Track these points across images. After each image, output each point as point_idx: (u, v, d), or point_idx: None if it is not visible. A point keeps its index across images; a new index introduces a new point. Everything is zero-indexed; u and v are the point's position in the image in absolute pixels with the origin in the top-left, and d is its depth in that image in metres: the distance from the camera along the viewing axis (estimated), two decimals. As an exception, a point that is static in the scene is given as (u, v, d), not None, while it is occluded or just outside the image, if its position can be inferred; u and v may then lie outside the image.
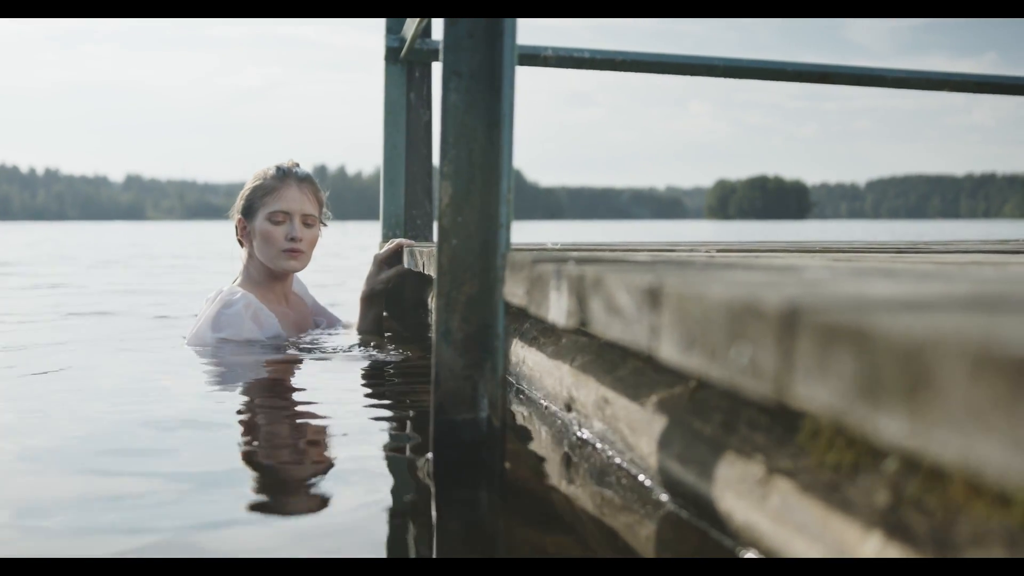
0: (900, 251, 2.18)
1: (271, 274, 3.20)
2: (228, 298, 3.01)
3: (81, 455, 1.62)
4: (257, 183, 3.18)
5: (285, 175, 3.16)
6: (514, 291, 1.39)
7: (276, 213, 3.12)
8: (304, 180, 3.20)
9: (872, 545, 0.81)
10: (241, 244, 3.27)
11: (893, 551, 0.77)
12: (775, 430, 1.04)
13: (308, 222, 3.18)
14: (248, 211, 3.18)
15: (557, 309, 1.16)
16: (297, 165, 3.22)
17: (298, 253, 3.14)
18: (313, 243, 3.21)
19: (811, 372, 0.53)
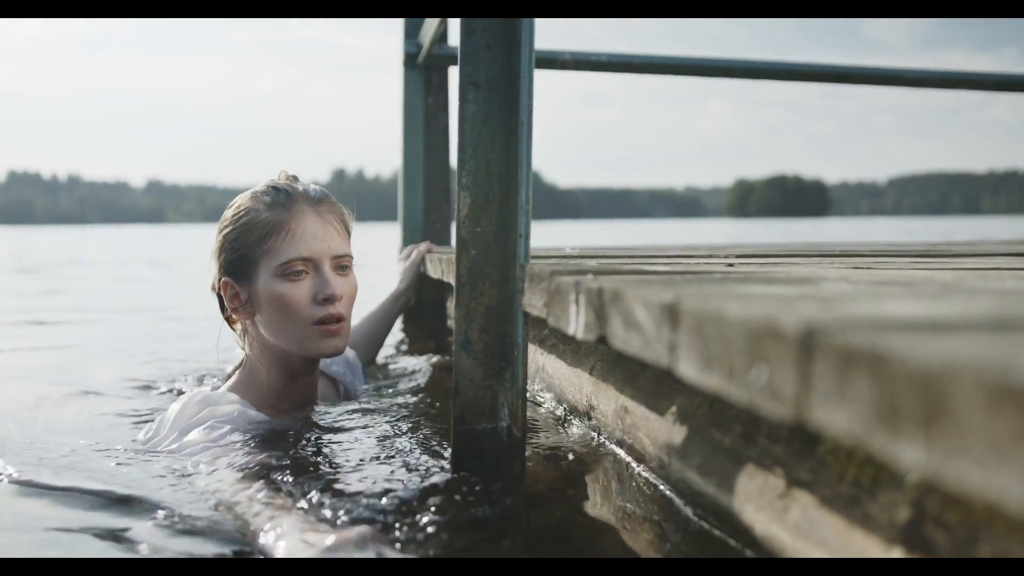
0: (920, 255, 2.17)
1: (293, 366, 1.97)
2: (214, 407, 1.82)
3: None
4: (245, 219, 1.92)
5: (290, 197, 1.94)
6: (533, 303, 1.39)
7: (292, 263, 1.88)
8: (321, 201, 1.98)
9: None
10: (232, 324, 2.04)
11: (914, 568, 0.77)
12: (795, 443, 1.04)
13: (343, 265, 1.96)
14: (239, 268, 1.92)
15: (576, 322, 1.16)
16: (296, 178, 2.03)
17: (340, 324, 1.93)
18: (353, 298, 1.99)
19: (829, 397, 0.53)
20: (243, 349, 2.02)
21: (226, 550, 1.25)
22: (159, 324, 4.87)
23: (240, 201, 1.97)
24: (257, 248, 1.89)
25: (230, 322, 2.03)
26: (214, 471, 1.56)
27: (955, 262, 1.77)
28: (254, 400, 1.92)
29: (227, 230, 1.94)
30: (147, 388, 2.70)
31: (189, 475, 1.58)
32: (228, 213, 1.97)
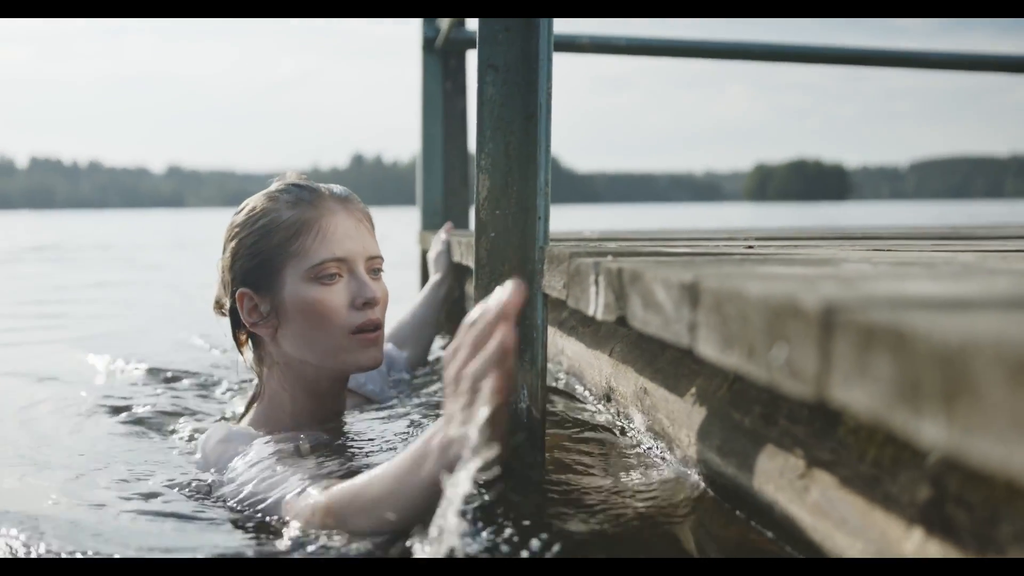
0: (942, 238, 2.16)
1: (322, 386, 1.76)
2: (235, 444, 1.58)
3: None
4: (264, 220, 1.72)
5: (316, 193, 1.76)
6: (552, 284, 1.39)
7: (326, 265, 1.68)
8: (348, 198, 1.80)
9: (914, 541, 0.80)
10: (242, 346, 1.83)
11: (934, 547, 0.77)
12: (815, 423, 1.04)
13: (376, 268, 1.79)
14: (259, 276, 1.71)
15: (595, 303, 1.16)
16: (305, 177, 1.84)
17: (378, 332, 1.75)
18: (387, 304, 1.80)
19: (850, 374, 0.54)
20: (257, 376, 1.80)
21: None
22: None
23: (253, 203, 1.76)
24: (281, 251, 1.68)
25: (240, 343, 1.81)
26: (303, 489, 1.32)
27: (977, 244, 1.76)
28: (273, 432, 1.67)
29: (242, 235, 1.72)
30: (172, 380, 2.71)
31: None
32: (239, 218, 1.75)
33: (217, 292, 1.81)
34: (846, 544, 0.91)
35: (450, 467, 1.09)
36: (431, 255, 2.87)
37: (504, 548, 1.11)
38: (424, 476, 1.12)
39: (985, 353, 0.44)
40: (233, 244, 1.73)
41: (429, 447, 1.12)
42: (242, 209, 1.77)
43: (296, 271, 1.68)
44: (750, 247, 1.55)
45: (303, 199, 1.73)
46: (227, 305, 1.78)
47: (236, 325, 1.78)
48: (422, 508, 1.12)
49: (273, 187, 1.79)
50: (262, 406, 1.76)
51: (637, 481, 1.46)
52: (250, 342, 1.80)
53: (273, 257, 1.69)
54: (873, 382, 0.52)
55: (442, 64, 3.94)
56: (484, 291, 1.47)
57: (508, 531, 1.16)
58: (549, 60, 1.46)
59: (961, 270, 0.97)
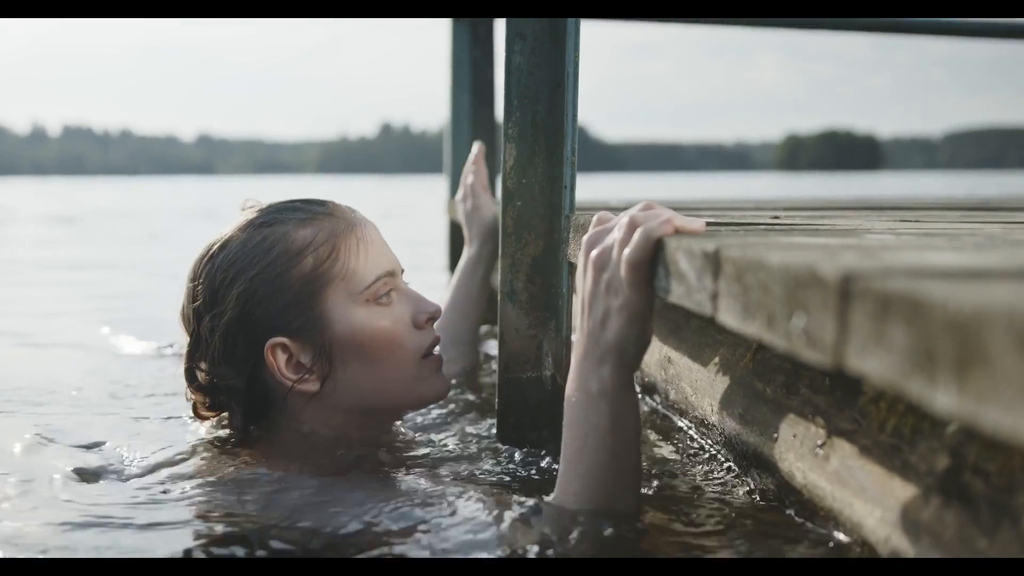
0: (970, 209, 2.15)
1: (369, 427, 1.46)
2: None
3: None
4: (279, 249, 1.36)
5: (327, 205, 1.45)
6: (578, 252, 1.40)
7: (381, 282, 1.39)
8: (351, 207, 1.48)
9: (931, 509, 0.81)
10: (253, 421, 1.42)
11: (951, 516, 0.78)
12: (836, 393, 1.05)
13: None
14: (292, 316, 1.36)
15: (619, 272, 1.17)
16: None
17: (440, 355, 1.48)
18: None
19: (866, 343, 0.54)
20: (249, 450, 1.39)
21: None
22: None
23: (246, 236, 1.37)
24: (318, 278, 1.34)
25: (259, 418, 1.40)
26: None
27: (1005, 216, 1.75)
28: None
29: (251, 274, 1.34)
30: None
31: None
32: (234, 256, 1.36)
33: (189, 364, 1.38)
34: (864, 512, 0.92)
35: (616, 368, 1.07)
36: (461, 212, 2.13)
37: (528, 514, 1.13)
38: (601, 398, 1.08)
39: (998, 322, 0.45)
40: (239, 289, 1.33)
41: (588, 384, 1.08)
42: (223, 247, 1.37)
43: (343, 298, 1.35)
44: (776, 217, 1.55)
45: (318, 212, 1.40)
46: (224, 377, 1.36)
47: (240, 394, 1.37)
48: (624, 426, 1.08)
49: (255, 215, 1.40)
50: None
51: (659, 448, 1.47)
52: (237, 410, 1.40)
53: (306, 289, 1.34)
54: (888, 351, 0.53)
55: (471, 32, 3.93)
56: (511, 259, 1.48)
57: (533, 497, 1.18)
58: (576, 30, 1.46)
59: (985, 241, 0.97)
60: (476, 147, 2.21)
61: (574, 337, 1.30)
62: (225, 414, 1.45)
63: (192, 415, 1.45)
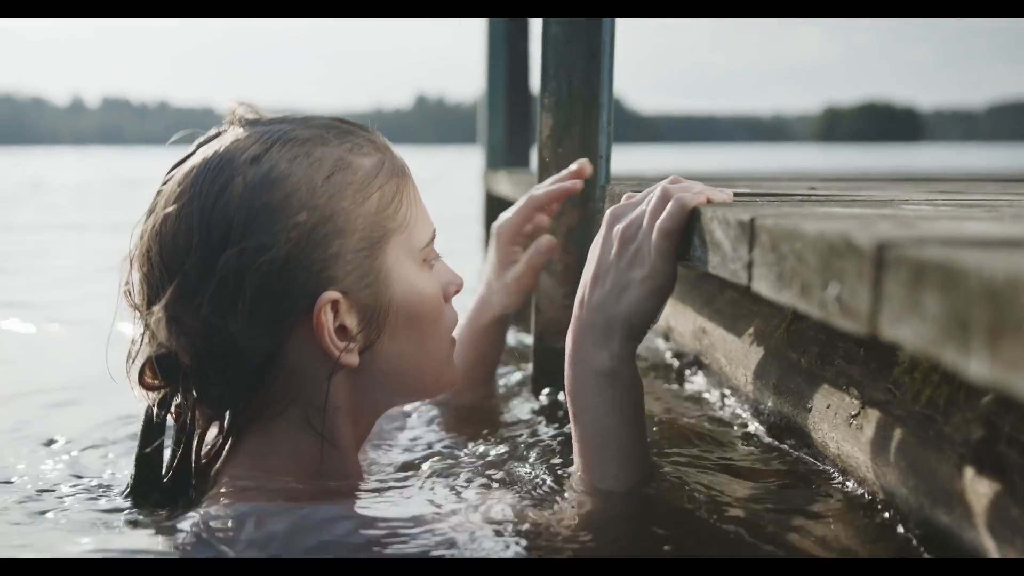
0: (1010, 181, 2.12)
1: (363, 428, 1.16)
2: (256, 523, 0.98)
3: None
4: (344, 175, 1.06)
5: (376, 135, 1.14)
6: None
7: (431, 243, 1.15)
8: None
9: (965, 479, 0.82)
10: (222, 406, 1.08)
11: (984, 486, 0.79)
12: (871, 364, 1.05)
13: None
14: (360, 262, 1.06)
15: (654, 242, 1.17)
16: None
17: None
18: None
19: (900, 310, 0.55)
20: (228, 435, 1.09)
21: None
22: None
23: (284, 153, 1.04)
24: (381, 226, 1.07)
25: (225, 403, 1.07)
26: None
27: (1047, 188, 1.73)
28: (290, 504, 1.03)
29: (312, 203, 1.02)
30: None
31: None
32: (280, 176, 1.02)
33: (173, 313, 1.00)
34: (898, 482, 0.92)
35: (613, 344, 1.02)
36: (514, 273, 1.48)
37: (560, 483, 1.14)
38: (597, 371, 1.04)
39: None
40: (295, 221, 1.01)
41: (586, 361, 1.05)
42: (253, 160, 1.03)
43: (403, 253, 1.09)
44: (812, 189, 1.54)
45: (371, 140, 1.11)
46: (243, 338, 1.01)
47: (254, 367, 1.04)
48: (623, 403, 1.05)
49: (286, 127, 1.08)
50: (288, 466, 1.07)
51: (692, 418, 1.48)
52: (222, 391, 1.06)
53: (372, 234, 1.06)
54: (922, 319, 0.53)
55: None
56: (547, 231, 1.48)
57: (567, 468, 1.19)
58: (613, -1, 1.46)
59: (1023, 212, 0.97)
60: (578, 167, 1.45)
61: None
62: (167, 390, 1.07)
63: (135, 383, 1.06)
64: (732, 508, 1.09)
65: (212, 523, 0.98)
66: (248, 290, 0.99)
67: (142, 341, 1.04)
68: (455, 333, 1.20)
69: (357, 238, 1.05)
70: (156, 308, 1.00)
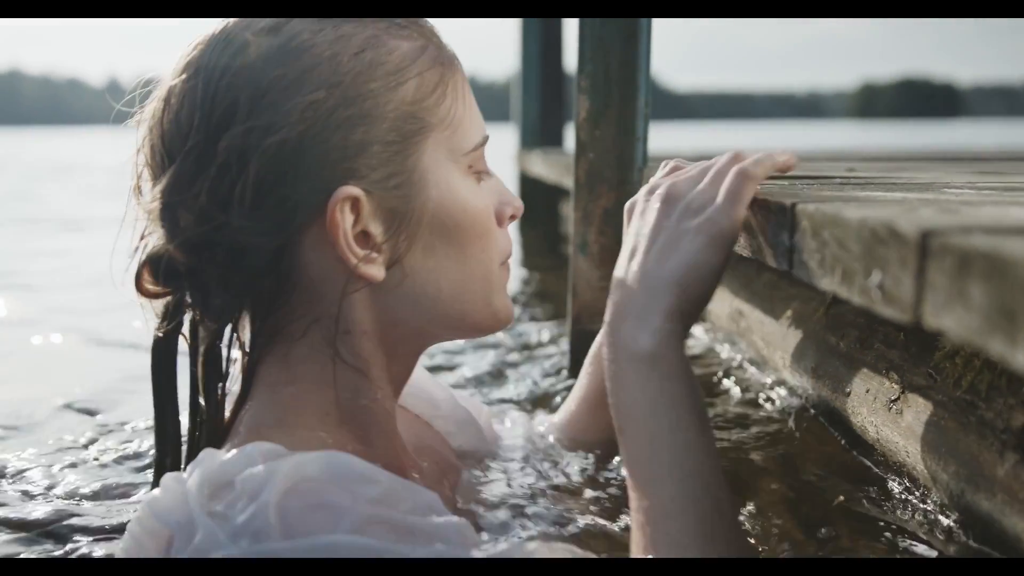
0: (1054, 161, 2.09)
1: (407, 364, 0.99)
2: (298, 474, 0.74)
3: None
4: (374, 53, 0.87)
5: (436, 34, 0.95)
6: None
7: (480, 150, 0.96)
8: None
9: (1006, 466, 0.81)
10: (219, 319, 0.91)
11: (1026, 472, 0.78)
12: (911, 348, 1.04)
13: None
14: (390, 157, 0.88)
15: (693, 226, 1.17)
16: None
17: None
18: None
19: (945, 300, 0.54)
20: (248, 366, 0.93)
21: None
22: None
23: (305, 26, 0.88)
24: (418, 118, 0.90)
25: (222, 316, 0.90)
26: None
27: (1091, 168, 1.71)
28: (340, 443, 0.90)
29: (331, 81, 0.86)
30: None
31: None
32: (296, 49, 0.86)
33: (170, 199, 0.86)
34: (938, 468, 0.92)
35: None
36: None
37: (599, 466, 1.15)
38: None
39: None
40: (308, 99, 0.85)
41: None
42: (272, 31, 0.88)
43: (444, 154, 0.92)
44: (851, 170, 1.53)
45: (416, 24, 0.94)
46: (243, 232, 0.85)
47: (248, 270, 0.87)
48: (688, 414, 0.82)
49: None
50: (293, 415, 0.90)
51: (729, 401, 1.48)
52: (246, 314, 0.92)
53: (406, 126, 0.89)
54: (967, 309, 0.53)
55: (541, -19, 3.91)
56: (583, 212, 1.48)
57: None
58: (651, -21, 1.45)
59: (1069, 196, 0.96)
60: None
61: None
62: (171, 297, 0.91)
63: (136, 288, 0.90)
64: (765, 494, 1.09)
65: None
66: (252, 177, 0.84)
67: (142, 237, 0.89)
68: None
69: (386, 128, 0.88)
70: (151, 194, 0.87)
